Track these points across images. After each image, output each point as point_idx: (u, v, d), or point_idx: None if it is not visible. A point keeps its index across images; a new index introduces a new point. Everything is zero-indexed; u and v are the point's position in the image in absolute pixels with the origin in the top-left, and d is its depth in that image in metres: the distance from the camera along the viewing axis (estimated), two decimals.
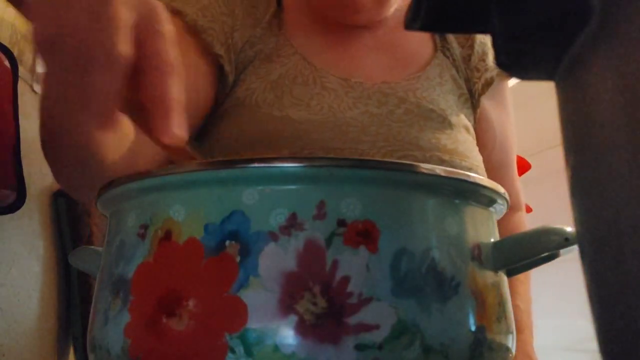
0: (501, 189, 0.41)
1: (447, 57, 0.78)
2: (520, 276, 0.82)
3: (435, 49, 0.78)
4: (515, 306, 0.81)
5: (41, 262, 1.30)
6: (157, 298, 0.36)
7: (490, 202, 0.41)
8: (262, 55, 0.71)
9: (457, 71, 0.77)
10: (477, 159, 0.72)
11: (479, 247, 0.39)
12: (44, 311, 1.31)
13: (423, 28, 0.27)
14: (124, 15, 0.32)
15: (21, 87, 1.17)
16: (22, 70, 1.18)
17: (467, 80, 0.78)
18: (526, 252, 0.40)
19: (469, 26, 0.27)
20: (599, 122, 0.23)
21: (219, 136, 0.68)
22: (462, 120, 0.73)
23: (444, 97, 0.73)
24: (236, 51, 0.70)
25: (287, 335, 0.33)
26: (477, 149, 0.74)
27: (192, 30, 0.68)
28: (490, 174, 0.75)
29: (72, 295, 1.40)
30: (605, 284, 0.23)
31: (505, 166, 0.83)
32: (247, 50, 0.71)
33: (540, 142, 2.09)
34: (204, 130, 0.71)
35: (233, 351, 0.33)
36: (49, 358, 1.31)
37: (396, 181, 0.36)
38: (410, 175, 0.37)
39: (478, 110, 0.77)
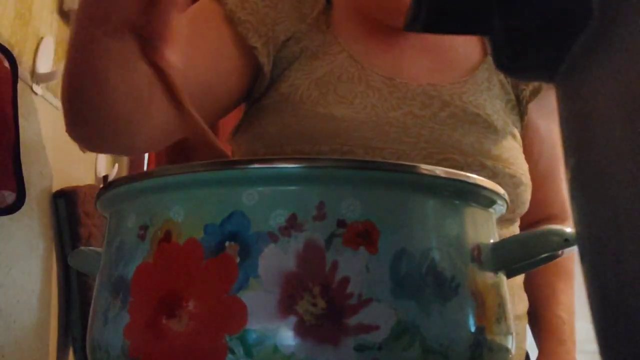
0: (501, 190, 0.41)
1: None
2: (564, 286, 0.82)
3: (485, 53, 0.76)
4: (557, 317, 0.80)
5: (41, 263, 1.30)
6: (157, 299, 0.36)
7: (490, 203, 0.41)
8: (308, 52, 0.71)
9: (505, 76, 0.76)
10: (522, 166, 0.71)
11: (478, 248, 0.39)
12: (44, 312, 1.31)
13: (423, 29, 0.27)
14: None
15: (21, 88, 1.17)
16: (21, 72, 1.18)
17: (515, 87, 0.76)
18: (526, 253, 0.40)
19: (470, 27, 0.27)
20: (598, 124, 0.23)
21: (262, 130, 0.69)
22: (509, 126, 0.72)
23: (491, 102, 0.72)
24: (277, 44, 0.70)
25: (287, 336, 0.33)
26: (522, 156, 0.73)
27: (229, 20, 0.68)
28: (536, 183, 0.74)
29: (71, 296, 1.40)
30: (605, 285, 0.23)
31: (551, 176, 0.82)
32: (292, 45, 0.71)
33: None
34: (247, 123, 0.72)
35: (233, 352, 0.33)
36: (48, 359, 1.31)
37: (396, 182, 0.36)
38: (410, 176, 0.37)
39: (525, 118, 0.76)
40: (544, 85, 0.76)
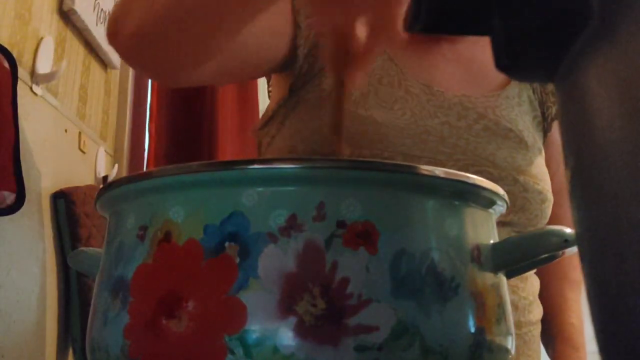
0: (500, 191, 0.41)
1: None
2: (575, 296, 0.83)
3: None
4: (571, 324, 0.81)
5: (40, 264, 1.30)
6: (157, 299, 0.36)
7: (490, 203, 0.41)
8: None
9: (534, 92, 0.77)
10: (548, 182, 0.72)
11: (478, 248, 0.39)
12: (43, 312, 1.31)
13: (423, 30, 0.27)
14: None
15: (20, 88, 1.17)
16: (21, 72, 1.18)
17: (542, 104, 0.77)
18: (526, 253, 0.40)
19: (470, 28, 0.27)
20: (598, 123, 0.23)
21: (302, 125, 0.68)
22: (537, 142, 0.73)
23: (522, 117, 0.73)
24: (318, 34, 0.69)
25: (287, 336, 0.33)
26: (547, 172, 0.74)
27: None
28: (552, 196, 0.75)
29: (71, 297, 1.40)
30: (605, 286, 0.23)
31: (564, 191, 0.82)
32: None
33: None
34: (282, 115, 0.71)
35: (232, 352, 0.33)
36: (48, 359, 1.31)
37: (396, 182, 0.36)
38: (410, 176, 0.37)
39: (548, 135, 0.78)
40: None
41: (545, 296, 0.82)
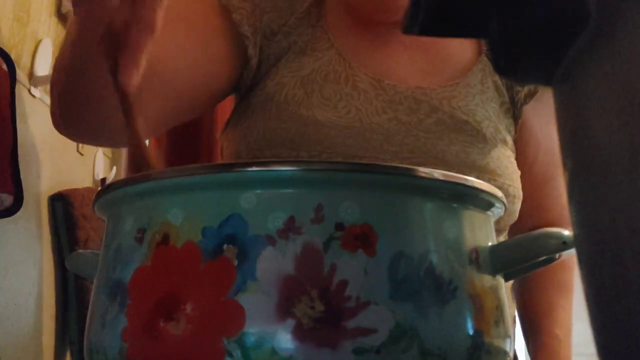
0: (499, 193, 0.41)
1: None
2: (563, 302, 0.79)
3: (479, 53, 0.73)
4: (554, 337, 0.76)
5: (38, 266, 1.30)
6: (155, 302, 0.36)
7: (488, 205, 0.41)
8: (297, 47, 0.69)
9: (500, 78, 0.72)
10: (511, 177, 0.68)
11: (476, 250, 0.39)
12: (41, 315, 1.31)
13: (421, 31, 0.27)
14: None
15: (19, 90, 1.17)
16: (19, 74, 1.18)
17: (510, 89, 0.73)
18: (524, 255, 0.40)
19: (468, 30, 0.27)
20: (595, 126, 0.23)
21: (247, 132, 0.67)
22: (500, 133, 0.69)
23: (483, 106, 0.69)
24: (265, 35, 0.68)
25: (285, 339, 0.33)
26: (514, 164, 0.70)
27: (223, 10, 0.67)
28: (531, 188, 0.72)
29: (69, 299, 1.40)
30: (604, 288, 0.23)
31: (549, 180, 0.78)
32: (281, 40, 0.69)
33: None
34: (234, 120, 0.71)
35: (231, 355, 0.33)
36: None
37: (394, 185, 0.36)
38: (408, 179, 0.37)
39: (520, 121, 0.73)
40: (541, 87, 0.72)
41: (531, 301, 0.79)
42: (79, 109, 0.60)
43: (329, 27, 0.71)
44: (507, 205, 0.66)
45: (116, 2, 0.43)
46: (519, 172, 0.70)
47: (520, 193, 0.70)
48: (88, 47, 0.51)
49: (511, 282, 0.74)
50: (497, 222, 0.67)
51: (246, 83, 0.70)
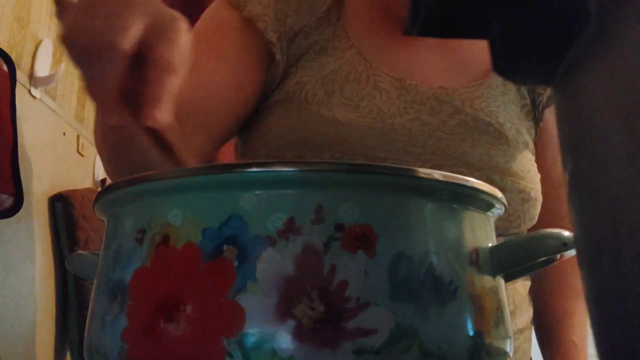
0: (499, 194, 0.41)
1: None
2: (577, 308, 0.79)
3: None
4: (570, 342, 0.76)
5: (38, 267, 1.30)
6: (155, 303, 0.36)
7: (488, 206, 0.41)
8: (317, 47, 0.69)
9: None
10: (533, 179, 0.68)
11: (477, 251, 0.39)
12: (41, 316, 1.31)
13: (421, 33, 0.27)
14: (134, 23, 0.40)
15: (19, 91, 1.17)
16: (20, 75, 1.18)
17: (532, 92, 0.73)
18: (524, 256, 0.40)
19: (467, 31, 0.27)
20: (596, 127, 0.23)
21: (266, 130, 0.67)
22: (522, 135, 0.69)
23: (505, 108, 0.69)
24: (289, 39, 0.68)
25: (285, 340, 0.33)
26: (535, 167, 0.70)
27: (247, 22, 0.67)
28: (548, 191, 0.72)
29: (69, 300, 1.40)
30: (604, 288, 0.23)
31: None
32: (301, 40, 0.68)
33: None
34: (252, 120, 0.70)
35: (231, 356, 0.33)
36: None
37: (394, 185, 0.36)
38: (409, 179, 0.37)
39: (541, 124, 0.73)
40: None
41: (546, 307, 0.79)
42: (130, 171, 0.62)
43: (348, 26, 0.70)
44: (527, 210, 0.66)
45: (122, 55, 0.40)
46: (539, 175, 0.70)
47: (541, 197, 0.69)
48: (122, 134, 0.53)
49: (528, 285, 0.74)
50: (517, 227, 0.66)
51: (271, 88, 0.69)
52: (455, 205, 0.38)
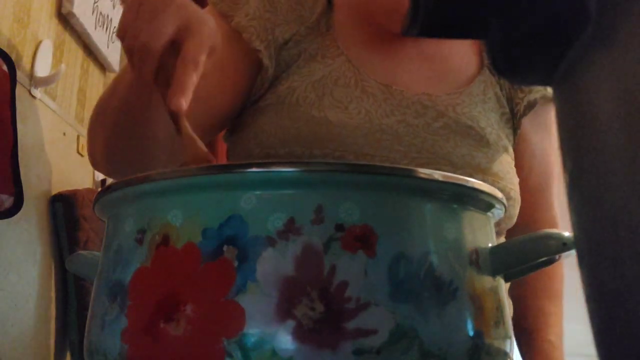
0: (499, 194, 0.41)
1: (493, 75, 0.76)
2: (555, 308, 0.82)
3: (481, 65, 0.76)
4: (548, 342, 0.80)
5: (38, 267, 1.30)
6: (155, 303, 0.36)
7: (488, 207, 0.41)
8: (307, 54, 0.72)
9: (501, 89, 0.76)
10: (512, 181, 0.70)
11: (476, 252, 0.39)
12: (41, 316, 1.31)
13: (420, 33, 0.27)
14: (169, 25, 0.50)
15: (19, 91, 1.17)
16: (20, 75, 1.18)
17: (510, 100, 0.76)
18: (524, 257, 0.40)
19: (467, 32, 0.27)
20: (596, 127, 0.23)
21: (258, 130, 0.69)
22: (502, 140, 0.72)
23: (486, 115, 0.72)
24: (277, 46, 0.71)
25: (285, 340, 0.33)
26: (513, 170, 0.72)
27: (235, 32, 0.70)
28: (525, 197, 0.74)
29: (69, 300, 1.40)
30: (603, 289, 0.23)
31: (543, 191, 0.81)
32: (292, 48, 0.71)
33: None
34: (244, 122, 0.72)
35: (231, 356, 0.33)
36: None
37: (394, 186, 0.36)
38: (409, 179, 0.37)
39: (518, 132, 0.76)
40: (539, 100, 0.76)
41: (523, 309, 0.81)
42: (127, 149, 0.65)
43: (338, 36, 0.74)
44: (507, 209, 0.68)
45: (166, 45, 0.50)
46: (518, 179, 0.73)
47: (520, 198, 0.72)
48: (143, 91, 0.58)
49: (508, 286, 0.76)
50: (497, 225, 0.68)
51: (260, 92, 0.72)
52: (455, 206, 0.38)
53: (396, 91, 0.70)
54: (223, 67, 0.69)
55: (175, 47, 0.50)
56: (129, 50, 0.52)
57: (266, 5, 0.72)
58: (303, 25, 0.73)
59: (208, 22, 0.52)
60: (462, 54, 0.76)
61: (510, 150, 0.74)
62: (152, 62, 0.50)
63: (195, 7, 0.52)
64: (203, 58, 0.50)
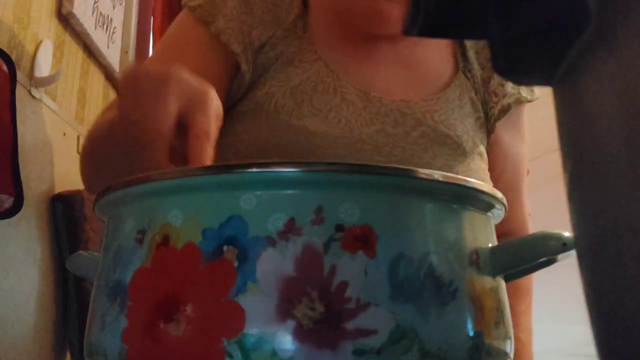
0: (499, 194, 0.41)
1: (468, 79, 0.77)
2: (524, 307, 0.82)
3: (457, 69, 0.77)
4: (516, 339, 0.81)
5: (38, 267, 1.29)
6: (155, 303, 0.36)
7: (488, 207, 0.41)
8: (284, 58, 0.71)
9: (476, 93, 0.76)
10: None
11: (476, 252, 0.39)
12: (41, 316, 1.31)
13: (421, 33, 0.27)
14: (172, 106, 0.47)
15: (19, 92, 1.17)
16: (20, 75, 1.18)
17: (484, 104, 0.77)
18: (524, 257, 0.40)
19: (467, 32, 0.27)
20: (596, 127, 0.23)
21: (236, 138, 0.68)
22: (478, 147, 0.73)
23: (462, 120, 0.73)
24: (254, 49, 0.70)
25: (285, 340, 0.33)
26: (488, 176, 0.73)
27: (214, 37, 0.69)
28: None
29: (69, 300, 1.40)
30: (603, 289, 0.23)
31: (513, 190, 0.82)
32: (269, 51, 0.71)
33: (538, 147, 2.10)
34: (221, 129, 0.72)
35: (231, 356, 0.33)
36: None
37: (394, 186, 0.36)
38: (409, 180, 0.37)
39: (492, 135, 0.77)
40: (513, 105, 0.77)
41: None
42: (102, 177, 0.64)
43: (314, 39, 0.73)
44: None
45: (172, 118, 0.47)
46: (492, 184, 0.74)
47: None
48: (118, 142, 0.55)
49: None
50: None
51: (237, 96, 0.71)
52: (455, 206, 0.38)
53: (374, 98, 0.70)
54: (206, 75, 0.69)
55: (181, 123, 0.48)
56: (136, 134, 0.48)
57: (242, 6, 0.71)
58: (280, 28, 0.72)
59: (209, 91, 0.50)
60: (438, 58, 0.76)
61: (485, 155, 0.75)
62: (164, 146, 0.46)
63: (192, 78, 0.50)
64: (213, 128, 0.49)
